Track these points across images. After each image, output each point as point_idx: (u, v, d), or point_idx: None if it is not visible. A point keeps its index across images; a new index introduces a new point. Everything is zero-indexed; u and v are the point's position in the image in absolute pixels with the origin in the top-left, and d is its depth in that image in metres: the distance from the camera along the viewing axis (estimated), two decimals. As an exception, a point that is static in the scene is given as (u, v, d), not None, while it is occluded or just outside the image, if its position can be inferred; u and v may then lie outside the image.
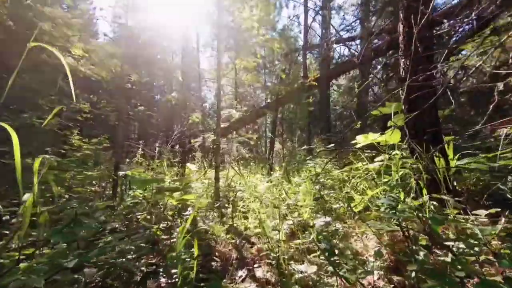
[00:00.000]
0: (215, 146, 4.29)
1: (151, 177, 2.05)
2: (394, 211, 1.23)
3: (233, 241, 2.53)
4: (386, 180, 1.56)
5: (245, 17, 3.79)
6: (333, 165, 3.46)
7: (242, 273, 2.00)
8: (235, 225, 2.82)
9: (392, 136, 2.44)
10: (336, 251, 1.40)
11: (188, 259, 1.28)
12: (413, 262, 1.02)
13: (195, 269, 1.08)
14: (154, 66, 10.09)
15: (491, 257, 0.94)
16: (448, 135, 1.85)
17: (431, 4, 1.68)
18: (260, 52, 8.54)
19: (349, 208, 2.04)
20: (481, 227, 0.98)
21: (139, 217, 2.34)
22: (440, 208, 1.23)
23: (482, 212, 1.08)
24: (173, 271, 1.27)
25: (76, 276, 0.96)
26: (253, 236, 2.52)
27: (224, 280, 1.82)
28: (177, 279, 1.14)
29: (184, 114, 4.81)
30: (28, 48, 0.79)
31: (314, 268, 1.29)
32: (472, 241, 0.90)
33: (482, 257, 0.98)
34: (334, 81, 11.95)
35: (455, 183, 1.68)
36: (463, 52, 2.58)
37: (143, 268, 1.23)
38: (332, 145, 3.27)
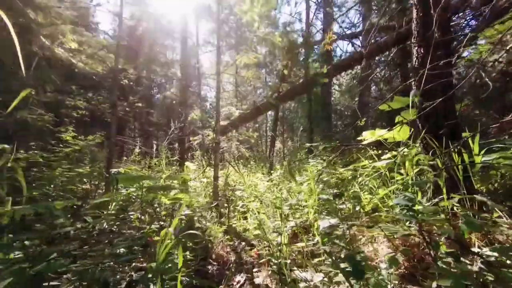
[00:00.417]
0: (214, 144, 4.16)
1: (143, 175, 1.91)
2: (412, 213, 1.09)
3: (231, 243, 2.39)
4: (398, 178, 1.41)
5: (245, 10, 3.64)
6: (336, 163, 3.31)
7: (240, 278, 1.86)
8: (233, 225, 2.68)
9: (401, 132, 2.29)
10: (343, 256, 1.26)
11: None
12: (436, 272, 0.87)
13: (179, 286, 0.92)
14: (153, 63, 9.95)
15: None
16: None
17: (447, -13, 1.53)
18: (261, 50, 8.41)
19: (356, 208, 1.89)
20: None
21: (132, 216, 2.21)
22: (464, 210, 1.09)
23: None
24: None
25: None
26: (253, 238, 2.38)
27: (221, 286, 1.68)
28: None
29: (181, 109, 4.67)
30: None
31: (320, 277, 1.15)
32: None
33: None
34: (335, 80, 11.79)
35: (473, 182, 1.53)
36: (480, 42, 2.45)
37: (128, 278, 1.08)
38: (336, 142, 3.13)
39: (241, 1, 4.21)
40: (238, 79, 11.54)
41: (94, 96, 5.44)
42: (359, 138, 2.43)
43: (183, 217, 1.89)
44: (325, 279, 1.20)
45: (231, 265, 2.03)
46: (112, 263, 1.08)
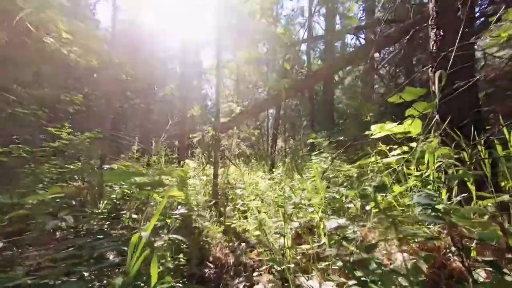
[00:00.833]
0: (214, 141, 4.02)
1: (134, 171, 1.77)
2: (436, 213, 0.94)
3: (231, 244, 2.25)
4: (416, 174, 1.26)
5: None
6: (341, 160, 3.16)
7: (239, 282, 1.72)
8: (233, 225, 2.54)
9: (413, 126, 2.13)
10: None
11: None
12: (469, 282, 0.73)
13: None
14: (153, 60, 9.81)
15: None
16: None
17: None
18: (262, 46, 8.23)
19: (364, 208, 1.74)
20: None
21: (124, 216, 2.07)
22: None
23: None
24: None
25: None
26: (253, 239, 2.24)
27: (218, 292, 1.54)
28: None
29: (179, 105, 4.53)
30: None
31: (329, 286, 1.00)
32: None
33: None
34: (337, 78, 11.57)
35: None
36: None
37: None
38: (341, 138, 2.98)
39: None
40: (239, 75, 11.37)
41: (89, 91, 5.31)
42: (366, 133, 2.28)
43: (178, 216, 1.75)
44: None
45: (230, 268, 1.90)
46: (87, 273, 0.93)
